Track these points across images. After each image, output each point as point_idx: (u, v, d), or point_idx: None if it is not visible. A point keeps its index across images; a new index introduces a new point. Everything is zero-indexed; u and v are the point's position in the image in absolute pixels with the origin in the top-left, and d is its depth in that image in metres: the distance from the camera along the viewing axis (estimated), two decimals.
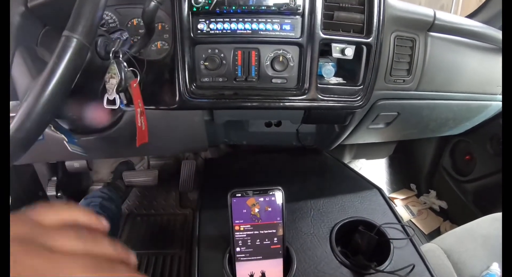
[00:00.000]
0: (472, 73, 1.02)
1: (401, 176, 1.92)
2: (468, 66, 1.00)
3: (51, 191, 1.41)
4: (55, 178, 1.44)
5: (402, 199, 1.77)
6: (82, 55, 0.53)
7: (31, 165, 1.42)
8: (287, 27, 0.75)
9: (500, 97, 1.13)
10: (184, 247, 1.47)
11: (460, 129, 1.32)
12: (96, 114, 0.83)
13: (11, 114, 0.68)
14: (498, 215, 1.01)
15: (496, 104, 1.17)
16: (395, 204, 1.73)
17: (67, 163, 1.37)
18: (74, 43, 0.51)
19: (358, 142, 1.22)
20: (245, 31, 0.74)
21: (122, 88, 0.71)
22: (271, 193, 0.69)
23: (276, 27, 0.75)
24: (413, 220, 1.64)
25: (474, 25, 0.93)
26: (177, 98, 0.77)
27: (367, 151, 1.62)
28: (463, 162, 1.57)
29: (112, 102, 0.72)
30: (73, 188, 1.57)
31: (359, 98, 0.83)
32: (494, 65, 1.05)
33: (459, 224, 1.04)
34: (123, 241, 1.48)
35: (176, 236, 1.53)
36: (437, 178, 1.75)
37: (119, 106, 0.74)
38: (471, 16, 1.27)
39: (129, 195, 1.59)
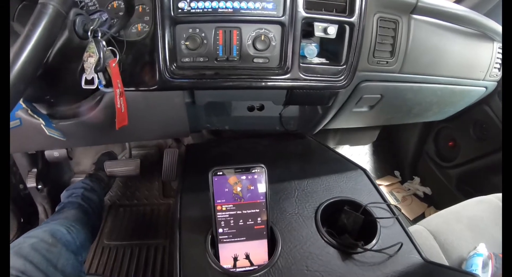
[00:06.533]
0: (455, 57, 1.03)
1: (385, 163, 1.94)
2: (451, 50, 1.01)
3: (31, 183, 1.37)
4: (35, 169, 1.39)
5: (386, 186, 1.79)
6: (57, 23, 0.52)
7: (10, 157, 1.38)
8: (269, 6, 0.74)
9: (483, 82, 1.15)
10: (168, 236, 1.46)
11: (443, 114, 1.33)
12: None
13: None
14: (482, 198, 1.03)
15: (479, 90, 1.19)
16: (381, 190, 1.75)
17: (47, 153, 1.33)
18: (50, 9, 0.50)
19: (342, 127, 1.22)
20: (227, 10, 0.73)
21: (101, 68, 0.70)
22: (253, 171, 0.68)
23: (258, 5, 0.74)
24: (398, 206, 1.66)
25: (457, 8, 0.94)
26: (157, 79, 0.76)
27: (350, 137, 1.63)
28: (447, 148, 1.59)
29: (90, 82, 0.71)
30: (54, 179, 1.53)
31: (342, 77, 0.83)
32: (477, 50, 1.06)
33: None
34: (106, 232, 1.48)
35: (160, 226, 1.52)
36: (421, 164, 1.78)
37: (97, 87, 0.72)
38: (458, 2, 1.28)
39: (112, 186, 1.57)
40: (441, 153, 1.64)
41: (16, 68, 0.47)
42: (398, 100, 1.07)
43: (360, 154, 1.94)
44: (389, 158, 1.94)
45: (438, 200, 1.66)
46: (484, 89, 1.19)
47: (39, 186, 1.41)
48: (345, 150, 1.89)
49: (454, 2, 1.30)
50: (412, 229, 0.94)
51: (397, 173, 1.89)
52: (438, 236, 0.91)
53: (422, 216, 1.59)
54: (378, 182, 1.80)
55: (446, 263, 0.84)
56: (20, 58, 0.48)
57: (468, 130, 1.43)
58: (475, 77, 1.12)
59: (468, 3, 1.25)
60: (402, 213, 1.62)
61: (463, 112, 1.34)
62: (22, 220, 1.43)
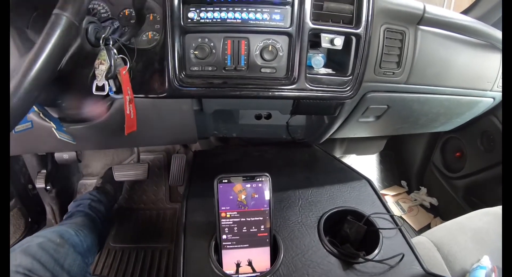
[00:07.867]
0: (463, 68, 1.02)
1: (392, 173, 1.93)
2: (458, 61, 1.00)
3: (40, 183, 1.39)
4: (44, 170, 1.43)
5: (393, 196, 1.78)
6: (70, 33, 0.54)
7: (20, 158, 1.41)
8: (277, 17, 0.75)
9: (491, 93, 1.14)
10: (174, 241, 1.47)
11: (451, 125, 1.32)
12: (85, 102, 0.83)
13: None
14: (488, 210, 1.01)
15: (486, 101, 1.17)
16: (385, 201, 1.74)
17: (56, 155, 1.36)
18: (63, 20, 0.52)
19: (349, 136, 1.22)
20: (235, 20, 0.75)
21: (111, 75, 0.72)
22: (258, 179, 0.69)
23: (266, 16, 0.75)
24: (403, 216, 1.65)
25: (463, 19, 0.93)
26: (166, 87, 0.78)
27: (357, 146, 1.62)
28: (454, 159, 1.58)
29: (101, 88, 0.73)
30: (63, 181, 1.57)
31: (348, 88, 0.84)
32: (484, 61, 1.05)
33: None
34: (112, 235, 1.49)
35: (166, 231, 1.54)
36: (428, 175, 1.76)
37: (108, 93, 0.74)
38: (464, 12, 1.28)
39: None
40: (448, 164, 1.62)
41: (31, 76, 0.49)
42: (405, 111, 1.07)
43: (366, 163, 1.94)
44: (396, 168, 1.93)
45: (445, 211, 1.64)
46: (492, 100, 1.18)
47: (48, 187, 1.43)
48: (352, 159, 1.88)
49: (461, 13, 1.30)
50: (415, 240, 0.93)
51: (403, 183, 1.88)
52: (442, 247, 0.89)
53: (428, 227, 1.56)
54: (384, 192, 1.80)
55: (448, 275, 0.83)
56: (35, 67, 0.50)
57: (476, 141, 1.42)
58: (482, 87, 1.11)
59: (475, 14, 1.25)
60: (408, 223, 1.61)
61: (470, 122, 1.33)
62: (30, 220, 1.45)
